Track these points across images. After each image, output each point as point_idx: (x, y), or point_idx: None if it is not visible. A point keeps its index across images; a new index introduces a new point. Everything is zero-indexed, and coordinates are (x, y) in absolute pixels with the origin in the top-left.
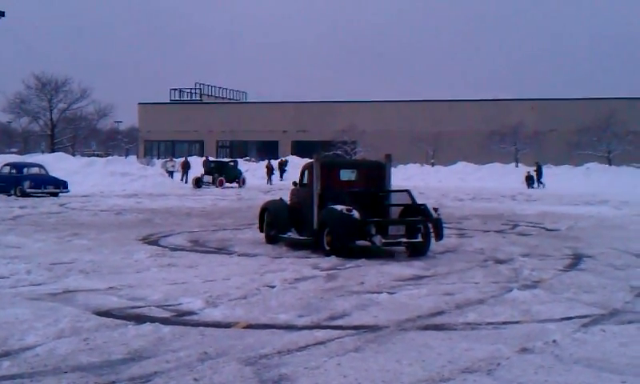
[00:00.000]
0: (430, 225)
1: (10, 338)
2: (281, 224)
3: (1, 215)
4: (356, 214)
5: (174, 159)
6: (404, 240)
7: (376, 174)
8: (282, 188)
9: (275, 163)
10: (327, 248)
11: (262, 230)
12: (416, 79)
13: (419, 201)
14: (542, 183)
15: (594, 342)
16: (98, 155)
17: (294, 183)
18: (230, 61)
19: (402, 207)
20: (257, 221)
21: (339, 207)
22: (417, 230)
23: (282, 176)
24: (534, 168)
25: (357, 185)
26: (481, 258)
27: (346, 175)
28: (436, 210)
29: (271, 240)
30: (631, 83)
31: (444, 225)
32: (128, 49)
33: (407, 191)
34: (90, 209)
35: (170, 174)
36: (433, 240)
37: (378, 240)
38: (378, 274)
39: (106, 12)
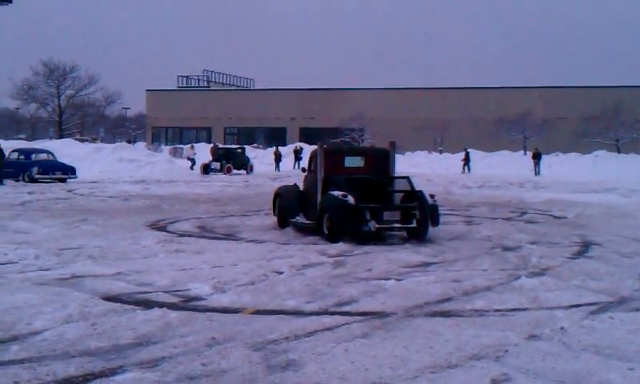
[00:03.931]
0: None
1: (19, 323)
2: (290, 208)
3: (9, 201)
4: (351, 199)
5: (195, 146)
6: (397, 225)
7: (380, 161)
8: (291, 175)
9: (284, 150)
10: (326, 232)
11: (275, 214)
12: (424, 67)
13: (425, 188)
14: (469, 168)
15: (602, 330)
16: (94, 140)
17: (303, 169)
18: (238, 48)
19: (402, 193)
20: (265, 207)
21: (336, 193)
22: (412, 216)
23: (298, 163)
24: (463, 156)
25: (361, 171)
26: (488, 246)
27: (350, 162)
28: (432, 196)
29: (283, 224)
30: None
31: (440, 211)
32: (136, 35)
33: (406, 178)
34: (97, 195)
35: (192, 161)
36: (439, 227)
37: (372, 225)
38: (385, 260)
39: None
